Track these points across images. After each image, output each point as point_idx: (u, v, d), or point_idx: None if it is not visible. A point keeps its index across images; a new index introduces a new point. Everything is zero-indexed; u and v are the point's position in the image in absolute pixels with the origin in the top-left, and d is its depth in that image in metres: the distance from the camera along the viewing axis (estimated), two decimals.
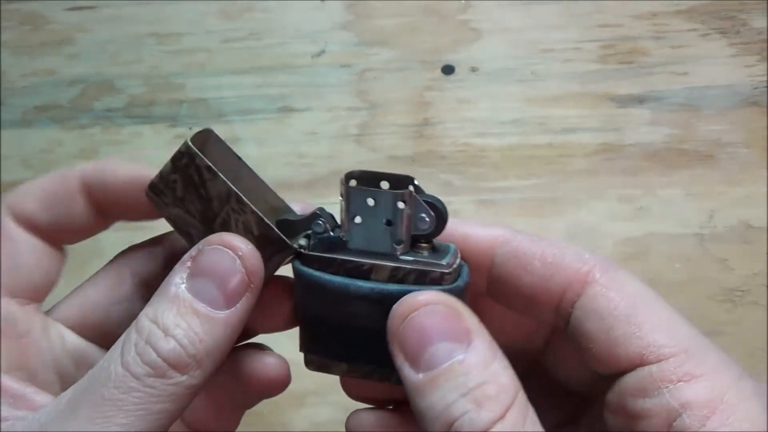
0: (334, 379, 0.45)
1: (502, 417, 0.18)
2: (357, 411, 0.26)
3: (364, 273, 0.22)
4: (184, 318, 0.21)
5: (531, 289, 0.22)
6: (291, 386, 0.45)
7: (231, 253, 0.22)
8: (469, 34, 0.49)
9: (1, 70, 0.51)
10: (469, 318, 0.20)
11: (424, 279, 0.22)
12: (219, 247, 0.22)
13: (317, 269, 0.23)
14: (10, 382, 0.22)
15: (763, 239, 0.45)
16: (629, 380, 0.20)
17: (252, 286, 0.22)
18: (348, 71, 0.49)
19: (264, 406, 0.45)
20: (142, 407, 0.20)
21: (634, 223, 0.46)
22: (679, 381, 0.20)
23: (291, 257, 0.24)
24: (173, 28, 0.51)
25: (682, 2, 0.49)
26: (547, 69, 0.48)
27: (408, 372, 0.20)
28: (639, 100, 0.48)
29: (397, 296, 0.21)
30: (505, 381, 0.19)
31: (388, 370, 0.22)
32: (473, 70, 0.49)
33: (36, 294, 0.25)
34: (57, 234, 0.26)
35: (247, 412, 0.45)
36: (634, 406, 0.20)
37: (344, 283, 0.22)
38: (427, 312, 0.20)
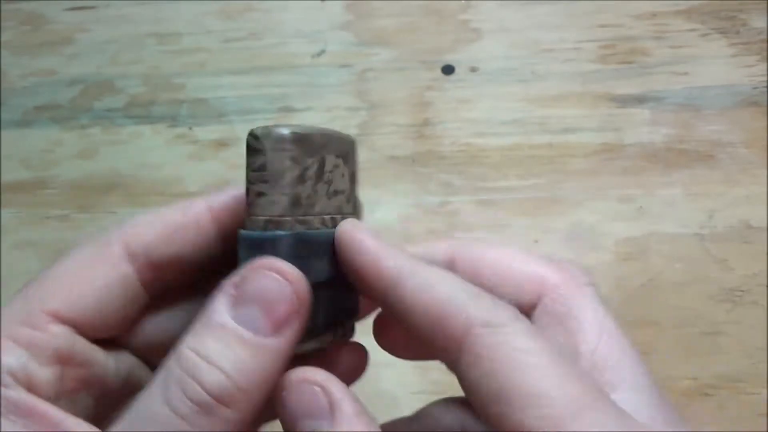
0: None
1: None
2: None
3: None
4: (230, 348, 0.20)
5: (417, 333, 0.22)
6: None
7: (279, 277, 0.21)
8: (469, 34, 0.49)
9: (1, 70, 0.51)
10: (334, 388, 0.21)
11: None
12: (266, 271, 0.21)
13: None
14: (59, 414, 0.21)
15: (763, 239, 0.45)
16: None
17: (301, 311, 0.21)
18: (348, 71, 0.49)
19: None
20: None
21: (634, 223, 0.46)
22: None
23: None
24: (173, 28, 0.51)
25: (682, 2, 0.49)
26: (547, 69, 0.48)
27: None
28: (639, 100, 0.48)
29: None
30: None
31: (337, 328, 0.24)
32: (473, 70, 0.49)
33: (107, 332, 0.24)
34: (174, 269, 0.24)
35: None
36: None
37: (328, 233, 0.23)
38: (292, 391, 0.21)
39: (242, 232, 0.22)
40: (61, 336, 0.22)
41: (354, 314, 0.25)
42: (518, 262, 0.23)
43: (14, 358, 0.21)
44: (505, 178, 0.47)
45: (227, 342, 0.20)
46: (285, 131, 0.22)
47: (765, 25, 0.48)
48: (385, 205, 0.47)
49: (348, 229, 0.23)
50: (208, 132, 0.49)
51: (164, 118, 0.49)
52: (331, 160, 0.23)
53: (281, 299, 0.21)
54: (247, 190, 0.22)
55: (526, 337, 0.20)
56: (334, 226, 0.23)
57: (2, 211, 0.49)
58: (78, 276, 0.23)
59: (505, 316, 0.20)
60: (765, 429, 0.43)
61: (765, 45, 0.48)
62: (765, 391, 0.44)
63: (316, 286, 0.22)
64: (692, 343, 0.44)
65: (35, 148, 0.50)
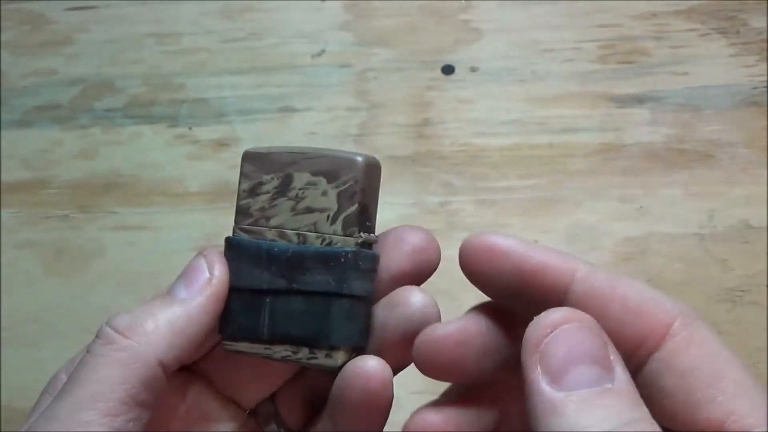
0: None
1: None
2: (420, 410, 0.25)
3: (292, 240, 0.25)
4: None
5: (606, 333, 0.21)
6: None
7: (202, 257, 0.25)
8: (469, 34, 0.49)
9: (1, 70, 0.51)
10: (611, 347, 0.19)
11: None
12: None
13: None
14: None
15: (763, 239, 0.45)
16: None
17: (213, 283, 0.25)
18: (348, 71, 0.49)
19: None
20: None
21: (634, 223, 0.46)
22: None
23: None
24: (173, 28, 0.51)
25: (682, 2, 0.49)
26: (547, 69, 0.48)
27: (545, 387, 0.18)
28: (639, 100, 0.48)
29: (314, 253, 0.23)
30: (654, 427, 0.18)
31: (306, 352, 0.23)
32: (473, 70, 0.49)
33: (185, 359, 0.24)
34: (191, 353, 0.25)
35: None
36: None
37: (271, 245, 0.24)
38: (577, 329, 0.19)
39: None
40: None
41: (338, 344, 0.24)
42: (651, 301, 0.21)
43: None
44: (505, 178, 0.47)
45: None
46: (246, 150, 0.26)
47: (765, 25, 0.48)
48: (385, 205, 0.46)
49: (478, 238, 0.23)
50: (208, 132, 0.49)
51: (164, 118, 0.49)
52: (302, 178, 0.25)
53: (196, 270, 0.24)
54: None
55: (717, 335, 0.20)
56: (304, 242, 0.24)
57: (2, 211, 0.49)
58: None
59: (695, 315, 0.20)
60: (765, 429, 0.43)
61: (765, 45, 0.48)
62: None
63: (255, 292, 0.24)
64: None
65: (35, 148, 0.50)
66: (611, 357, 0.19)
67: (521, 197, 0.47)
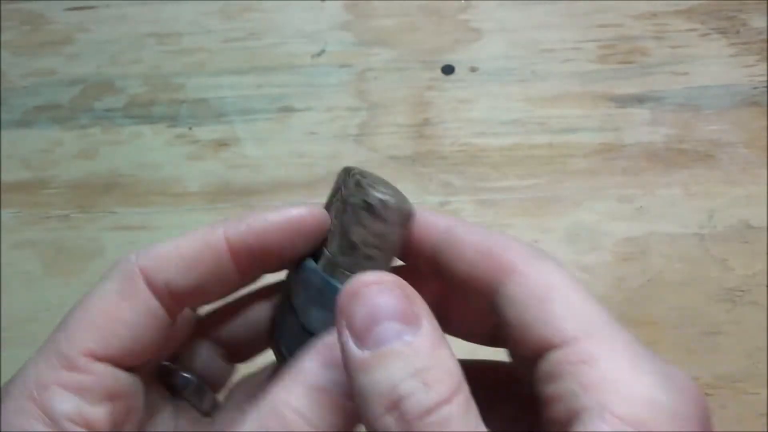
0: None
1: (448, 400, 0.18)
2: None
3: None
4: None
5: (462, 277, 0.23)
6: None
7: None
8: (469, 34, 0.49)
9: (1, 70, 0.51)
10: (418, 301, 0.20)
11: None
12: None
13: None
14: None
15: (763, 239, 0.45)
16: (541, 366, 0.21)
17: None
18: (348, 71, 0.49)
19: None
20: None
21: (634, 223, 0.46)
22: (582, 363, 0.20)
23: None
24: (173, 28, 0.51)
25: (682, 2, 0.49)
26: (547, 69, 0.48)
27: (352, 348, 0.19)
28: (639, 100, 0.48)
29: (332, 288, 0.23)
30: (452, 367, 0.19)
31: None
32: (473, 70, 0.49)
33: (140, 360, 0.25)
34: (195, 298, 0.25)
35: None
36: (545, 391, 0.20)
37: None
38: (379, 291, 0.20)
39: (332, 280, 0.24)
40: (105, 374, 0.23)
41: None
42: (498, 244, 0.23)
43: (69, 404, 0.22)
44: (505, 178, 0.47)
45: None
46: (412, 209, 0.24)
47: (765, 25, 0.48)
48: None
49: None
50: (208, 132, 0.49)
51: (164, 118, 0.49)
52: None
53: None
54: (352, 244, 0.23)
55: (563, 269, 0.22)
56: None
57: (2, 211, 0.49)
58: (107, 315, 0.23)
59: (542, 253, 0.22)
60: (765, 429, 0.43)
61: (765, 45, 0.48)
62: (765, 391, 0.44)
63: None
64: (692, 343, 0.44)
65: (35, 148, 0.50)
66: (414, 310, 0.20)
67: (521, 197, 0.47)
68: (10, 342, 0.46)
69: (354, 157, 0.48)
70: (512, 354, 0.24)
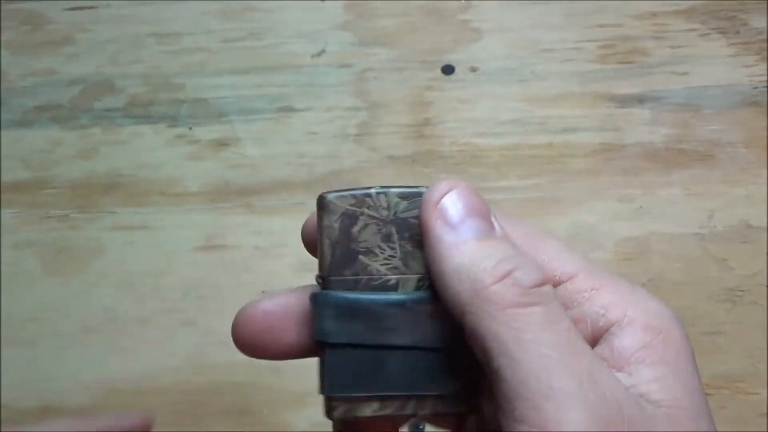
0: None
1: (548, 281, 0.21)
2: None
3: (390, 288, 0.22)
4: None
5: None
6: (291, 386, 0.45)
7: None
8: (469, 34, 0.49)
9: (1, 70, 0.51)
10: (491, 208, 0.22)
11: None
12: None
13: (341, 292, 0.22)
14: None
15: (763, 239, 0.45)
16: None
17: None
18: (348, 71, 0.49)
19: (264, 406, 0.45)
20: None
21: (634, 223, 0.46)
22: (592, 290, 0.22)
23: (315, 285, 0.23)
24: (173, 28, 0.51)
25: (682, 2, 0.49)
26: (547, 69, 0.48)
27: (445, 234, 0.21)
28: (639, 100, 0.48)
29: (429, 300, 0.22)
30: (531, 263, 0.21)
31: (417, 402, 0.22)
32: (473, 70, 0.49)
33: None
34: None
35: (247, 412, 0.45)
36: None
37: (375, 298, 0.22)
38: (465, 191, 0.22)
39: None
40: None
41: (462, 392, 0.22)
42: (467, 248, 0.21)
43: None
44: (505, 178, 0.47)
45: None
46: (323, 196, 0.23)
47: (765, 25, 0.48)
48: None
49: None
50: (208, 132, 0.49)
51: (164, 118, 0.49)
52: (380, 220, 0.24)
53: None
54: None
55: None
56: (399, 287, 0.23)
57: (2, 211, 0.49)
58: None
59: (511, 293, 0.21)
60: (765, 429, 0.43)
61: (765, 45, 0.48)
62: (765, 391, 0.44)
63: (366, 347, 0.22)
64: (692, 343, 0.44)
65: (35, 148, 0.50)
66: (492, 216, 0.22)
67: (521, 197, 0.47)
68: (10, 342, 0.46)
69: (353, 157, 0.48)
70: None
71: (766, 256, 0.45)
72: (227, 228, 0.47)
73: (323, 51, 0.50)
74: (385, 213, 0.22)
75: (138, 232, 0.48)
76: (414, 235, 0.22)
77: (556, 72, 0.48)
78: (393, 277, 0.22)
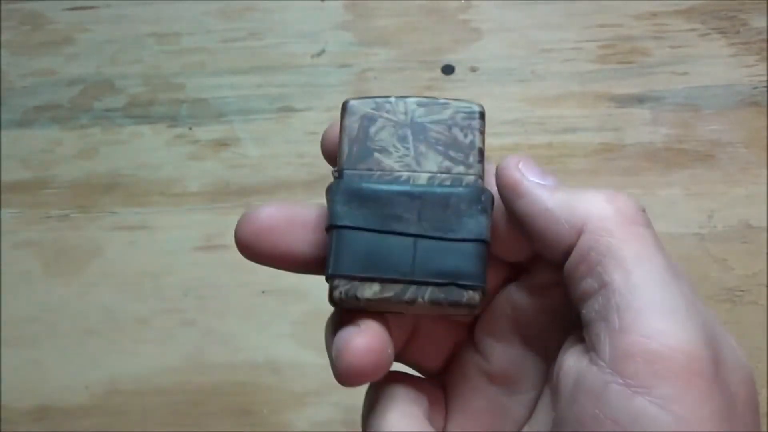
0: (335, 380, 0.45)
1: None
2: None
3: (401, 182, 0.23)
4: None
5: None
6: (291, 386, 0.45)
7: None
8: (469, 34, 0.49)
9: (1, 70, 0.51)
10: None
11: (460, 182, 0.23)
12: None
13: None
14: None
15: (763, 239, 0.45)
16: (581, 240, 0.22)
17: None
18: (348, 71, 0.49)
19: (264, 406, 0.45)
20: None
21: None
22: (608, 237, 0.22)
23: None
24: (173, 28, 0.51)
25: (682, 2, 0.49)
26: (547, 69, 0.48)
27: (536, 183, 0.23)
28: (639, 100, 0.48)
29: (439, 196, 0.23)
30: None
31: (417, 288, 0.22)
32: (473, 70, 0.49)
33: None
34: None
35: (247, 412, 0.45)
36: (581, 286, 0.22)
37: (388, 188, 0.23)
38: (531, 160, 0.24)
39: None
40: None
41: (480, 284, 0.23)
42: (560, 193, 0.23)
43: None
44: None
45: None
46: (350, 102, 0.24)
47: (765, 25, 0.48)
48: None
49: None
50: (208, 132, 0.49)
51: (164, 118, 0.49)
52: (419, 123, 0.25)
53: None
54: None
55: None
56: (433, 182, 0.25)
57: (2, 211, 0.49)
58: None
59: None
60: (765, 429, 0.43)
61: (765, 45, 0.48)
62: (765, 391, 0.44)
63: (389, 233, 0.23)
64: None
65: (35, 148, 0.50)
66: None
67: None
68: (10, 342, 0.46)
69: None
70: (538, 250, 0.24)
71: (766, 256, 0.45)
72: (227, 228, 0.47)
73: (323, 51, 0.50)
74: (402, 117, 0.24)
75: (138, 232, 0.48)
76: (428, 137, 0.24)
77: (556, 72, 0.48)
78: (405, 173, 0.23)
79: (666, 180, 0.47)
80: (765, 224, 0.46)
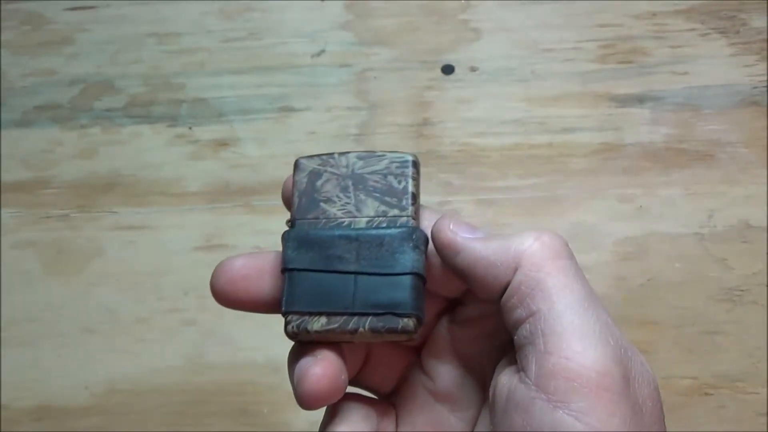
0: None
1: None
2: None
3: (343, 228, 0.26)
4: None
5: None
6: (291, 386, 0.45)
7: None
8: (469, 34, 0.49)
9: (1, 70, 0.51)
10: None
11: (394, 224, 0.26)
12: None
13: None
14: None
15: (763, 239, 0.45)
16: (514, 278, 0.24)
17: None
18: (348, 71, 0.49)
19: (264, 405, 0.45)
20: None
21: (634, 223, 0.46)
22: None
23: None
24: (173, 28, 0.51)
25: (682, 2, 0.49)
26: (547, 69, 0.48)
27: (468, 238, 0.25)
28: (639, 99, 0.48)
29: (375, 237, 0.25)
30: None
31: (359, 319, 0.25)
32: (473, 69, 0.49)
33: None
34: None
35: (247, 412, 0.45)
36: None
37: (330, 233, 0.26)
38: (458, 217, 0.26)
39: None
40: None
41: (415, 312, 0.25)
42: (492, 241, 0.25)
43: None
44: (505, 177, 0.47)
45: None
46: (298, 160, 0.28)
47: (765, 24, 0.48)
48: None
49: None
50: (208, 132, 0.49)
51: (164, 118, 0.50)
52: (359, 175, 0.28)
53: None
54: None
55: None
56: (371, 226, 0.27)
57: (2, 211, 0.49)
58: None
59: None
60: (765, 429, 0.43)
61: (765, 45, 0.48)
62: (765, 390, 0.44)
63: (331, 273, 0.26)
64: (692, 343, 0.44)
65: (35, 148, 0.50)
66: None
67: (521, 197, 0.47)
68: (10, 341, 0.47)
69: None
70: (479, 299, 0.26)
71: (766, 256, 0.45)
72: (227, 228, 0.48)
73: (323, 51, 0.50)
74: (344, 170, 0.27)
75: (138, 232, 0.48)
76: (367, 186, 0.27)
77: (556, 72, 0.48)
78: (346, 219, 0.26)
79: (666, 180, 0.47)
80: (765, 224, 0.46)
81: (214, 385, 0.45)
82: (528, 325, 0.23)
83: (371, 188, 0.27)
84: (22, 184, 0.49)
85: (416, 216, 0.27)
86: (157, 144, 0.49)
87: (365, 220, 0.26)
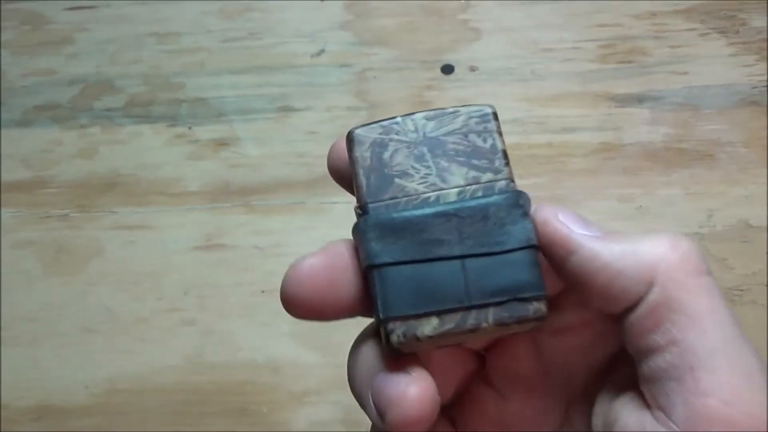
0: (334, 378, 0.45)
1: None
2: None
3: (432, 204, 0.22)
4: None
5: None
6: (291, 386, 0.45)
7: None
8: (469, 34, 0.49)
9: (1, 69, 0.51)
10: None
11: (492, 190, 0.22)
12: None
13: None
14: None
15: (763, 239, 0.45)
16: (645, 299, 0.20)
17: None
18: (347, 71, 0.49)
19: (264, 405, 0.45)
20: None
21: (634, 223, 0.46)
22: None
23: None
24: (173, 28, 0.51)
25: (682, 2, 0.49)
26: (547, 69, 0.48)
27: (583, 234, 0.21)
28: (638, 99, 0.48)
29: (476, 209, 0.21)
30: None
31: (478, 312, 0.21)
32: (473, 69, 0.49)
33: None
34: None
35: (247, 411, 0.45)
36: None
37: (420, 213, 0.21)
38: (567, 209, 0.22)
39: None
40: None
41: (543, 293, 0.21)
42: (615, 243, 0.21)
43: None
44: None
45: None
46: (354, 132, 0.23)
47: (764, 24, 0.48)
48: None
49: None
50: (208, 132, 0.49)
51: (164, 118, 0.50)
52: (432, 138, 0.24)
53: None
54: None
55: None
56: (463, 196, 0.23)
57: (2, 211, 0.49)
58: None
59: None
60: None
61: (764, 44, 0.48)
62: None
63: (429, 261, 0.21)
64: None
65: (35, 148, 0.50)
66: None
67: None
68: (10, 341, 0.46)
69: None
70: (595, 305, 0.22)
71: (766, 255, 0.45)
72: (227, 228, 0.47)
73: (323, 51, 0.50)
74: (413, 136, 0.22)
75: (138, 231, 0.48)
76: (446, 150, 0.22)
77: (556, 72, 0.48)
78: (432, 193, 0.22)
79: (665, 180, 0.47)
80: (765, 224, 0.46)
81: (214, 385, 0.45)
82: (668, 356, 0.19)
83: (452, 152, 0.22)
84: (21, 183, 0.49)
85: (513, 177, 0.22)
86: (156, 144, 0.49)
87: (455, 191, 0.22)
